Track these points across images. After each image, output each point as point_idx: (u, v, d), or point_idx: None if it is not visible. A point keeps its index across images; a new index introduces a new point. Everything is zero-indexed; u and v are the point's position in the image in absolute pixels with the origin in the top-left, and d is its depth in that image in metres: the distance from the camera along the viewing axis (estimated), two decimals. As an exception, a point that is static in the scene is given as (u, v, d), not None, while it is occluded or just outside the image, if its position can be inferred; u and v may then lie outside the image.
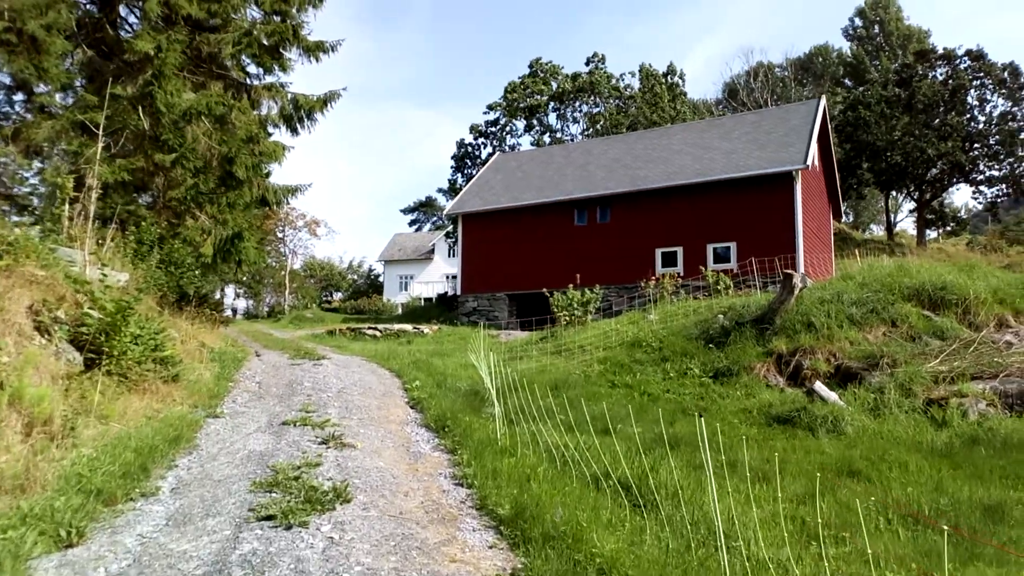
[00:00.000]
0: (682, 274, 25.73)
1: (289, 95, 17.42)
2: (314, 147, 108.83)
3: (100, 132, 11.57)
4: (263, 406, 10.04)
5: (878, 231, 74.24)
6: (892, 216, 58.63)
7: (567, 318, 17.04)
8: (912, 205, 73.06)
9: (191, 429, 8.28)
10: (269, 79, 17.55)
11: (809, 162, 24.97)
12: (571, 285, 17.78)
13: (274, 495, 5.80)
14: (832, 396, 9.76)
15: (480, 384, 12.35)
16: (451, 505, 5.95)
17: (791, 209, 24.93)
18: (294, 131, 17.54)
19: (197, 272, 16.11)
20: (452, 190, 48.57)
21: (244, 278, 61.39)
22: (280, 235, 54.31)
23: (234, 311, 62.26)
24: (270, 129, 17.87)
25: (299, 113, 17.27)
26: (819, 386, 9.84)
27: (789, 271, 12.89)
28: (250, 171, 16.20)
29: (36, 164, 14.63)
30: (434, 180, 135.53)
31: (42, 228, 12.77)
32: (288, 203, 18.92)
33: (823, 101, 30.06)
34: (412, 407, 10.89)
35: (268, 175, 19.09)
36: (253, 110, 16.92)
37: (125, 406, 8.40)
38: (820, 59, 70.30)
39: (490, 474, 6.63)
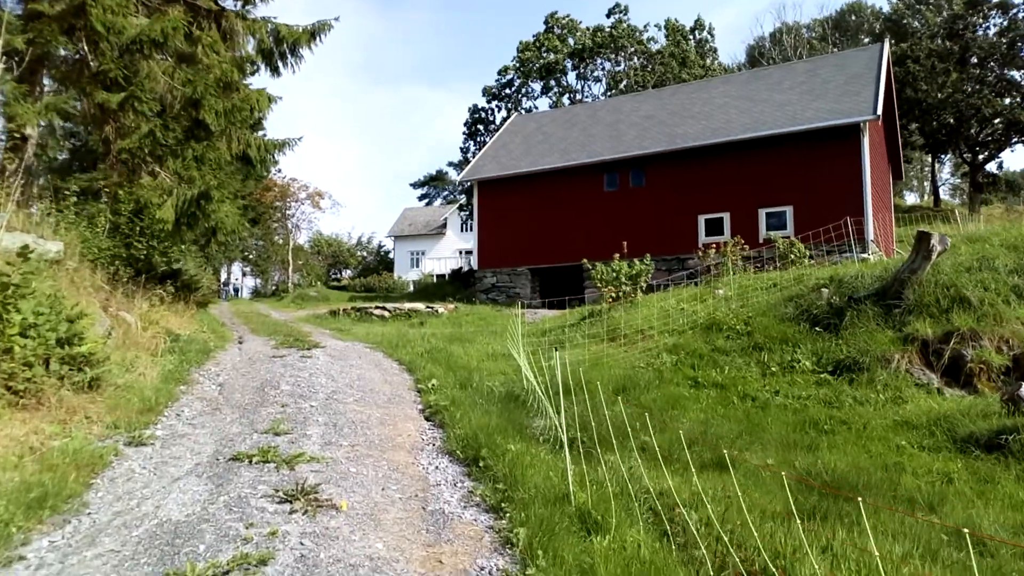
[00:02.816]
0: (714, 245, 22.43)
1: (269, 26, 14.20)
2: (321, 126, 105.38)
3: (-2, 49, 8.43)
4: (215, 424, 7.02)
5: (909, 198, 70.02)
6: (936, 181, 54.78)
7: (613, 294, 13.97)
8: (948, 171, 68.99)
9: (85, 474, 5.27)
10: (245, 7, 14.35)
11: (879, 112, 21.58)
12: (617, 255, 14.70)
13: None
14: (1050, 406, 6.63)
15: (518, 383, 9.32)
16: None
17: (857, 167, 21.63)
18: (275, 71, 14.35)
19: (160, 242, 13.11)
20: (464, 161, 45.24)
21: (250, 255, 58.55)
22: (283, 209, 51.15)
23: (237, 290, 59.53)
24: (248, 70, 14.69)
25: (281, 48, 14.06)
26: (1029, 391, 6.72)
27: (925, 230, 9.70)
28: (222, 118, 13.07)
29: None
30: (445, 156, 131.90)
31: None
32: (276, 161, 15.84)
33: (887, 45, 26.53)
34: (428, 419, 7.87)
35: (250, 126, 15.99)
36: (224, 44, 13.72)
37: (-17, 437, 5.41)
38: (853, 16, 65.94)
39: (577, 584, 3.58)
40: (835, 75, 25.42)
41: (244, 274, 64.28)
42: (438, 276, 47.16)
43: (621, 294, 14.02)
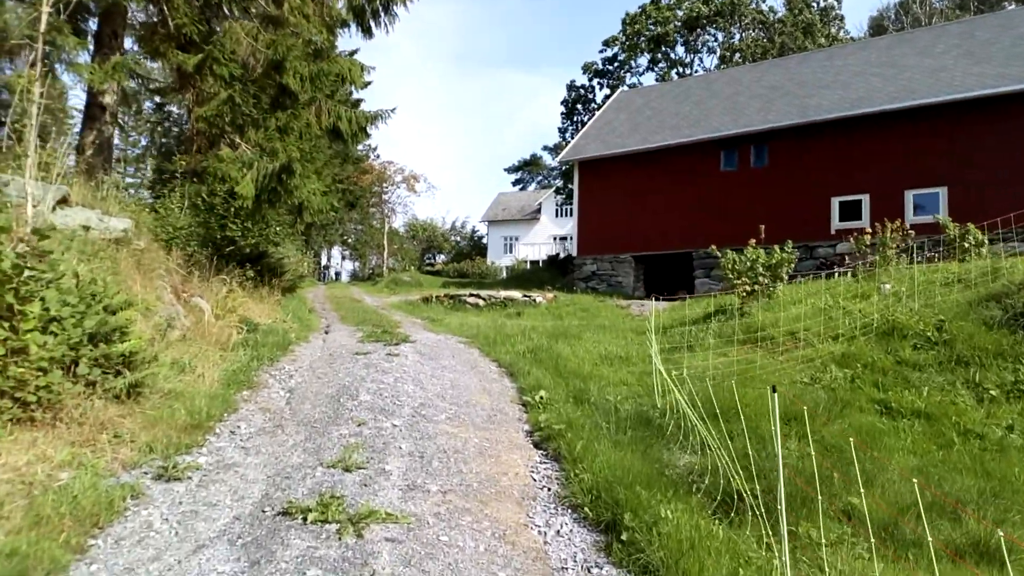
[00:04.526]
0: (870, 229, 19.52)
1: (361, -21, 12.80)
2: (418, 113, 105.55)
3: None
4: (273, 449, 5.53)
5: None
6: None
7: (748, 288, 11.81)
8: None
9: (84, 530, 3.85)
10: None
11: (1062, 75, 18.07)
12: (753, 241, 12.50)
13: None
14: None
15: (645, 398, 7.44)
16: None
17: (1030, 143, 18.20)
18: (367, 31, 12.93)
19: (256, 223, 12.00)
20: (561, 143, 43.18)
21: (348, 238, 58.91)
22: (379, 193, 50.81)
23: (337, 273, 60.04)
24: (338, 32, 13.34)
25: (374, 4, 12.61)
26: None
27: None
28: (308, 83, 11.76)
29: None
30: (539, 141, 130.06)
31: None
32: (368, 135, 14.45)
33: (1064, -1, 22.55)
34: (538, 446, 6.15)
35: (350, 105, 14.69)
36: (313, 3, 12.39)
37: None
38: (996, -21, 59.14)
39: None
40: (999, 36, 21.76)
41: (344, 257, 64.98)
42: (532, 262, 45.54)
43: (757, 287, 11.84)
